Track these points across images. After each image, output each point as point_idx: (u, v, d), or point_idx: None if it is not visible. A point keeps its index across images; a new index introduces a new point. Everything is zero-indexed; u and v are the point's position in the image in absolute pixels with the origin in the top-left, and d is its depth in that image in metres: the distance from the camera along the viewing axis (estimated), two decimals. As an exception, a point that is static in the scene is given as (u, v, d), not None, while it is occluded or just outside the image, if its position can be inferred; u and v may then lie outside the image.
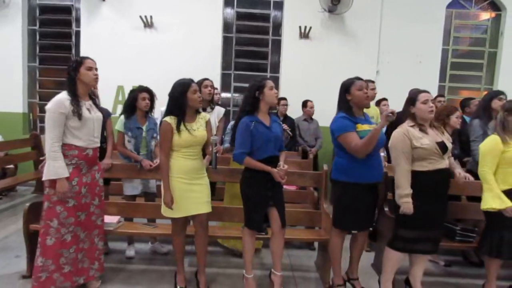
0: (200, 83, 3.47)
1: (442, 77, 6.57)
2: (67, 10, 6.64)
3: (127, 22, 6.28)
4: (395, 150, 2.61)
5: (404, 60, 6.34)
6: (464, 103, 4.64)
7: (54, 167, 2.47)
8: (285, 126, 4.40)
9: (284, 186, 2.91)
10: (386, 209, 3.16)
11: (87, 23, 6.41)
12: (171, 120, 2.65)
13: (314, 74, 6.24)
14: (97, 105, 2.79)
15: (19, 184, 5.30)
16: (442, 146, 2.58)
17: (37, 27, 6.68)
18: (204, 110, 3.50)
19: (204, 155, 2.86)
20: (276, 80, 6.52)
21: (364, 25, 6.30)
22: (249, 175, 2.70)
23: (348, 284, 2.95)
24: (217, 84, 6.23)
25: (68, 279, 2.61)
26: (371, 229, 3.00)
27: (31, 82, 6.70)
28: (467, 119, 4.16)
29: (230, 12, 6.54)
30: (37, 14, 6.66)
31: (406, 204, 2.54)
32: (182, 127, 2.63)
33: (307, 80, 6.23)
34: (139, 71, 6.11)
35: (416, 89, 2.71)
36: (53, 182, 2.51)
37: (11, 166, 5.59)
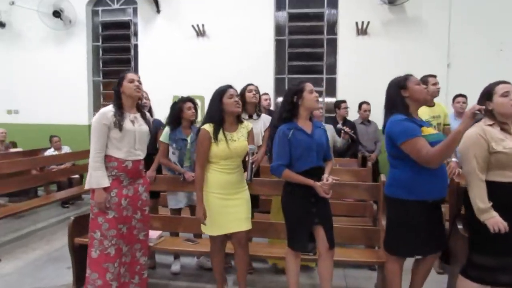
0: (244, 88, 3.34)
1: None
2: (126, 25, 6.91)
3: (181, 32, 6.34)
4: (466, 154, 2.13)
5: (481, 50, 5.54)
6: None
7: (94, 177, 2.48)
8: (346, 129, 4.09)
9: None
10: (459, 226, 2.65)
11: (144, 36, 6.61)
12: (209, 127, 2.48)
13: (374, 72, 5.72)
14: (145, 118, 2.74)
15: (84, 193, 5.57)
16: None
17: (100, 43, 7.04)
18: (251, 116, 3.32)
19: (245, 167, 2.66)
20: (333, 82, 6.15)
21: (430, 13, 5.66)
22: (290, 190, 2.42)
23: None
24: (271, 89, 6.03)
25: None
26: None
27: (96, 95, 7.07)
28: None
29: (282, 14, 6.29)
30: (100, 30, 7.02)
31: (492, 220, 2.04)
32: (220, 136, 2.46)
33: (366, 80, 5.73)
34: (193, 80, 6.12)
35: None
36: (94, 193, 2.51)
37: (77, 176, 5.91)
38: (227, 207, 2.50)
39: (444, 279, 3.02)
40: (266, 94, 4.92)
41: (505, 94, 2.12)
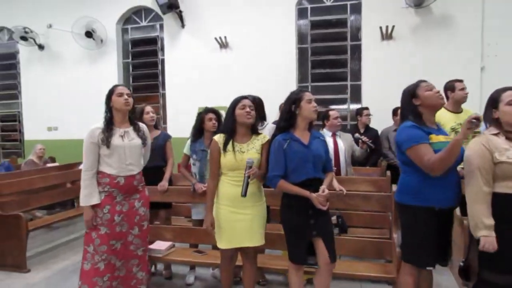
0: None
1: None
2: (153, 41, 7.15)
3: (204, 45, 6.46)
4: (469, 165, 2.02)
5: (518, 51, 5.18)
6: None
7: (82, 194, 2.53)
8: (364, 138, 3.95)
9: None
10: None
11: (170, 51, 6.79)
12: (219, 138, 2.48)
13: (400, 78, 5.36)
14: (139, 131, 2.72)
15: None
16: None
17: (130, 60, 7.33)
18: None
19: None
20: (358, 88, 5.98)
21: (460, 12, 5.35)
22: (287, 202, 2.35)
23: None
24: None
25: None
26: (461, 264, 2.33)
27: (127, 110, 7.32)
28: None
29: (304, 22, 6.23)
30: (130, 48, 7.31)
31: (487, 239, 1.92)
32: (229, 147, 2.43)
33: (392, 86, 5.48)
34: (218, 91, 6.18)
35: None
36: None
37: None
38: (236, 221, 2.45)
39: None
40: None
41: (511, 102, 1.98)
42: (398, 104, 4.77)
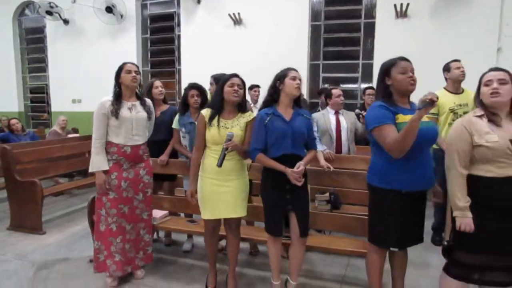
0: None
1: None
2: (171, 17, 7.27)
3: (219, 21, 6.53)
4: (449, 147, 2.03)
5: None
6: None
7: (94, 161, 2.75)
8: (364, 113, 3.91)
9: None
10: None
11: (186, 27, 6.91)
12: (206, 112, 2.56)
13: (414, 57, 5.27)
14: (145, 105, 2.93)
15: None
16: None
17: (148, 35, 7.50)
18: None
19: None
20: (369, 67, 5.90)
21: (479, -10, 5.14)
22: (266, 175, 2.46)
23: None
24: (304, 75, 5.98)
25: (119, 269, 2.84)
26: (445, 243, 2.38)
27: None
28: None
29: (318, -1, 6.17)
30: (148, 23, 7.47)
31: (463, 220, 1.95)
32: (214, 121, 2.52)
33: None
34: (230, 66, 6.18)
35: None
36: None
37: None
38: (219, 193, 2.55)
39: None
40: (257, 86, 4.95)
41: (487, 83, 1.97)
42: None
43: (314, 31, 6.20)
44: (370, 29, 5.88)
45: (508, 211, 1.92)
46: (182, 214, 3.68)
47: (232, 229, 2.70)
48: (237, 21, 6.35)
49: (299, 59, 5.96)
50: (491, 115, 1.97)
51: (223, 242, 3.41)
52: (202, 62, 6.66)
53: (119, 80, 2.80)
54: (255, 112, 2.83)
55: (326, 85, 6.14)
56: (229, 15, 6.28)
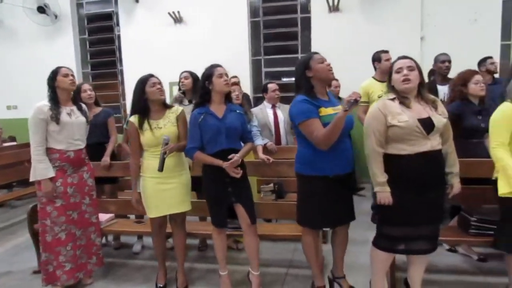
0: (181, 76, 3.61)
1: (505, 35, 5.50)
2: (109, 16, 7.08)
3: (159, 20, 6.45)
4: (367, 128, 2.22)
5: (455, 21, 5.43)
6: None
7: (38, 169, 2.68)
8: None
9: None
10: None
11: (126, 26, 6.76)
12: (134, 119, 2.62)
13: (348, 49, 5.68)
14: (81, 110, 2.92)
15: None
16: (427, 124, 2.12)
17: (86, 36, 7.25)
18: (190, 102, 3.44)
19: None
20: (309, 61, 6.13)
21: (401, -15, 5.53)
22: (206, 171, 2.56)
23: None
24: (247, 71, 6.13)
25: (71, 277, 2.81)
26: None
27: (86, 87, 7.32)
28: None
29: (256, -5, 6.31)
30: (86, 23, 7.22)
31: (382, 194, 2.16)
32: (145, 125, 2.59)
33: (341, 57, 5.68)
34: (173, 66, 6.17)
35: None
36: (40, 184, 2.71)
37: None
38: (163, 191, 2.63)
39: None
40: (236, 77, 5.00)
41: (398, 71, 2.18)
42: (347, 76, 5.01)
43: (254, 27, 6.34)
44: (306, 23, 6.11)
45: (423, 186, 2.15)
46: (133, 216, 3.69)
47: (178, 224, 2.79)
48: (177, 19, 6.33)
49: (241, 55, 6.08)
50: (402, 98, 2.19)
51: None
52: (144, 61, 6.51)
53: (54, 84, 2.74)
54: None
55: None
56: (169, 13, 6.24)
